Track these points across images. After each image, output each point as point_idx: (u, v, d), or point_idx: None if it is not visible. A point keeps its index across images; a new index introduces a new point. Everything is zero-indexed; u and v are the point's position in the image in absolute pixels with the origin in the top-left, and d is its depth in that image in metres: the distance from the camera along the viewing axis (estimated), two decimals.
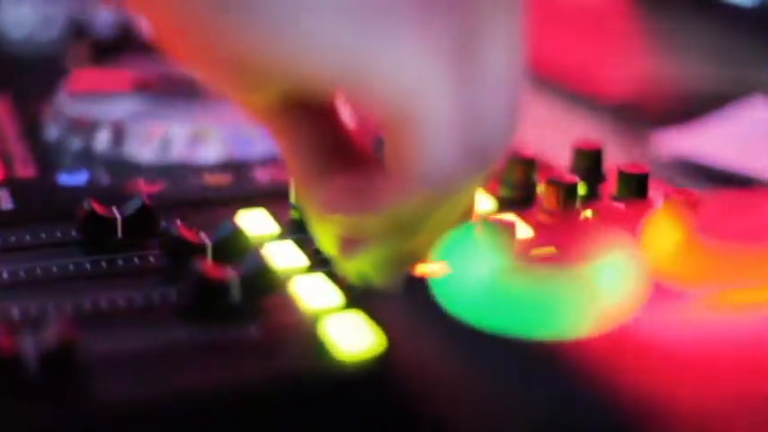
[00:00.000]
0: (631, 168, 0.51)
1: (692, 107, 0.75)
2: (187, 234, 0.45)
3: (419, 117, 0.35)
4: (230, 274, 0.42)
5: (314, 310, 0.41)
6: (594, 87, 0.82)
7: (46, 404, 0.36)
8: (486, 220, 0.41)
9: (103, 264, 0.46)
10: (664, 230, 0.35)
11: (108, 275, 0.45)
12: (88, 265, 0.45)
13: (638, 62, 0.86)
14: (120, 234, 0.47)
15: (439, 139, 0.36)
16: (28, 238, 0.48)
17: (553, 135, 0.74)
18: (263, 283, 0.42)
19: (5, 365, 0.37)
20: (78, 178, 0.54)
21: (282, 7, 0.34)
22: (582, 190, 0.51)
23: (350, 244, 0.39)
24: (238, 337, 0.40)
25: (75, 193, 0.53)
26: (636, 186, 0.50)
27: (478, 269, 0.34)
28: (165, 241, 0.45)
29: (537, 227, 0.48)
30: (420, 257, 0.41)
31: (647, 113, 0.76)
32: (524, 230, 0.48)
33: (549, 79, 0.84)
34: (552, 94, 0.83)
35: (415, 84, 0.35)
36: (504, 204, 0.52)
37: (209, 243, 0.45)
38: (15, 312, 0.42)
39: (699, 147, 0.66)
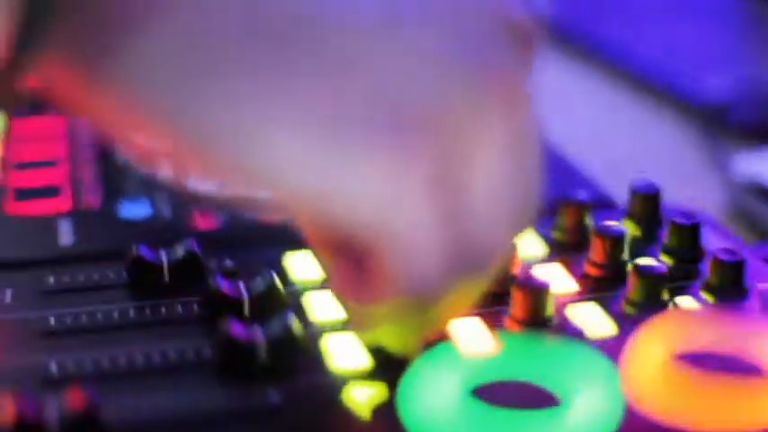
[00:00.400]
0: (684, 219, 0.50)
1: None
2: (225, 288, 0.46)
3: (389, 241, 0.35)
4: (257, 336, 0.42)
5: (343, 371, 0.42)
6: (692, 88, 0.80)
7: None
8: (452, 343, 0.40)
9: (147, 311, 0.47)
10: (648, 352, 0.34)
11: (149, 324, 0.46)
12: (132, 312, 0.46)
13: (744, 67, 0.84)
14: (167, 278, 0.48)
15: (412, 260, 0.36)
16: (81, 278, 0.49)
17: (638, 141, 0.74)
18: (291, 346, 0.43)
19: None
20: (140, 210, 0.55)
21: (249, 120, 0.34)
22: (636, 232, 0.50)
23: (359, 318, 0.40)
24: (261, 401, 0.41)
25: (134, 228, 0.54)
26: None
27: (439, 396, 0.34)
28: (204, 294, 0.46)
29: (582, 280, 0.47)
30: (438, 326, 0.41)
31: (739, 125, 0.74)
32: (567, 282, 0.48)
33: (642, 77, 0.82)
34: (643, 93, 0.81)
35: (381, 209, 0.34)
36: (556, 248, 0.51)
37: (245, 297, 0.45)
38: (53, 366, 0.43)
39: None
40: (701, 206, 0.54)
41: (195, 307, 0.47)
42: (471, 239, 0.36)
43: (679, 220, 0.50)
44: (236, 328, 0.43)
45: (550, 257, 0.51)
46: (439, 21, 0.34)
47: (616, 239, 0.49)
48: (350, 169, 0.34)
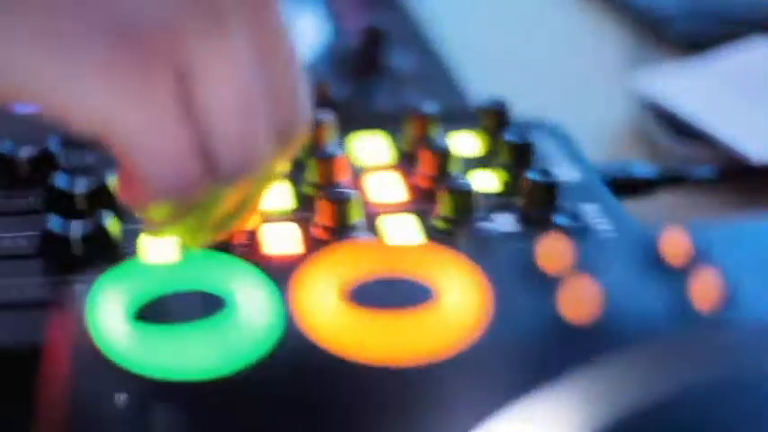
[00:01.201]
0: None
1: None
2: (60, 183, 0.49)
3: (126, 145, 0.38)
4: (72, 229, 0.46)
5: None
6: None
7: None
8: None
9: None
10: (316, 288, 0.36)
11: None
12: None
13: None
14: (23, 174, 0.52)
15: (155, 161, 0.39)
16: None
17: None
18: (103, 241, 0.47)
19: None
20: None
21: None
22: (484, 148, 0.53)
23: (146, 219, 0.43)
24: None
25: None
26: None
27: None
28: (45, 188, 0.50)
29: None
30: (229, 224, 0.44)
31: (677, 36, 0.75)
32: (398, 192, 0.51)
33: None
34: None
35: (108, 115, 0.38)
36: (403, 158, 0.54)
37: (77, 193, 0.49)
38: None
39: (671, 91, 0.66)
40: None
41: (33, 200, 0.50)
42: (215, 144, 0.39)
43: (511, 138, 0.52)
44: (53, 222, 0.47)
45: (396, 166, 0.53)
46: None
47: (441, 153, 0.51)
48: (77, 80, 0.37)
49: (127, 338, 0.33)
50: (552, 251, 0.37)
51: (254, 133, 0.40)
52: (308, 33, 0.70)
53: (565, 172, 0.52)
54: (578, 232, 0.46)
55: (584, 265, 0.37)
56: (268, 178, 0.43)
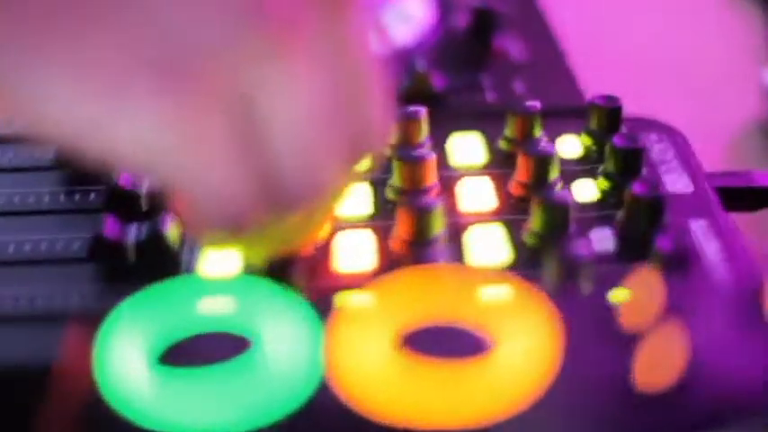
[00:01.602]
0: None
1: None
2: (123, 182, 0.46)
3: (180, 181, 0.35)
4: (127, 234, 0.43)
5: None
6: None
7: None
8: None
9: (61, 197, 0.48)
10: (365, 322, 0.32)
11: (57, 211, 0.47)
12: (47, 197, 0.47)
13: None
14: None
15: (210, 196, 0.35)
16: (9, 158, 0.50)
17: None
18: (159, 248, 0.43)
19: None
20: None
21: (31, 70, 0.33)
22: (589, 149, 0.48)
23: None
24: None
25: None
26: None
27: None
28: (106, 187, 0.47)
29: None
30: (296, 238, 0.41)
31: None
32: (487, 199, 0.46)
33: None
34: None
35: (164, 152, 0.34)
36: (498, 159, 0.49)
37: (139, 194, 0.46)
38: None
39: None
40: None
41: (94, 197, 0.47)
42: (278, 173, 0.35)
43: (620, 142, 0.47)
44: (109, 225, 0.43)
45: (487, 168, 0.48)
46: None
47: (541, 159, 0.46)
48: (120, 118, 0.33)
49: (144, 389, 0.30)
50: (640, 296, 0.32)
51: (320, 160, 0.36)
52: (413, 10, 0.65)
53: (675, 181, 0.46)
54: (677, 260, 0.40)
55: (674, 310, 0.31)
56: (337, 194, 0.39)
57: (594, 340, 0.31)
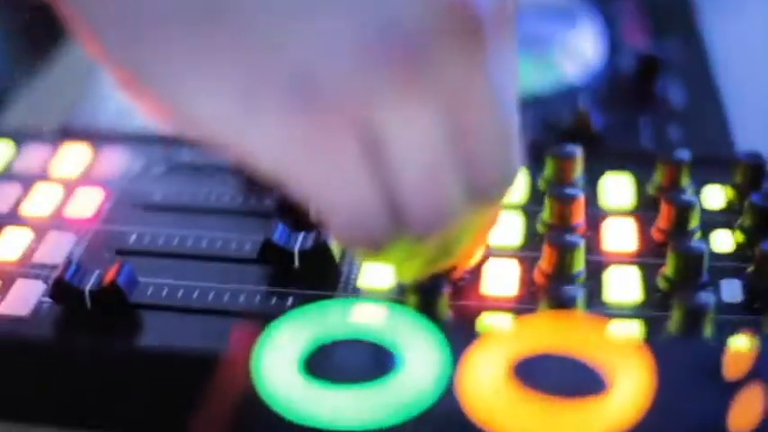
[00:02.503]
0: None
1: None
2: None
3: (309, 197, 0.39)
4: (294, 242, 0.47)
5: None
6: None
7: None
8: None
9: (240, 199, 0.52)
10: (482, 365, 0.35)
11: (234, 212, 0.52)
12: (227, 198, 0.52)
13: None
14: None
15: (332, 216, 0.39)
16: (202, 159, 0.55)
17: None
18: (322, 258, 0.47)
19: None
20: None
21: (179, 77, 0.38)
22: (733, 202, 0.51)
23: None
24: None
25: None
26: None
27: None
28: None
29: None
30: (446, 261, 0.44)
31: None
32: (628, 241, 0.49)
33: None
34: None
35: (290, 171, 0.38)
36: (646, 203, 0.52)
37: None
38: (132, 238, 0.50)
39: None
40: None
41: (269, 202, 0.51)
42: (404, 201, 0.39)
43: (758, 200, 0.49)
44: (279, 232, 0.48)
45: (634, 211, 0.51)
46: (362, 8, 0.37)
47: (682, 208, 0.49)
48: (259, 124, 0.37)
49: (293, 390, 0.34)
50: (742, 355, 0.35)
51: (444, 193, 0.39)
52: (582, 48, 0.68)
53: None
54: None
55: None
56: (477, 226, 0.43)
57: (697, 383, 0.35)
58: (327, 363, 0.35)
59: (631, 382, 0.34)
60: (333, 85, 0.37)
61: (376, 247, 0.40)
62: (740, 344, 0.36)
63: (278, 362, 0.35)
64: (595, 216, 0.51)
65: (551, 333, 0.36)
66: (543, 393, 0.34)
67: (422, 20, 0.37)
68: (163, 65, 0.38)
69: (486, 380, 0.34)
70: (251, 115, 0.37)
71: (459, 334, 0.36)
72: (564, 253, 0.46)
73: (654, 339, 0.36)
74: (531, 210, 0.51)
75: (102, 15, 0.38)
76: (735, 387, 0.34)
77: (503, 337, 0.36)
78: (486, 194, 0.41)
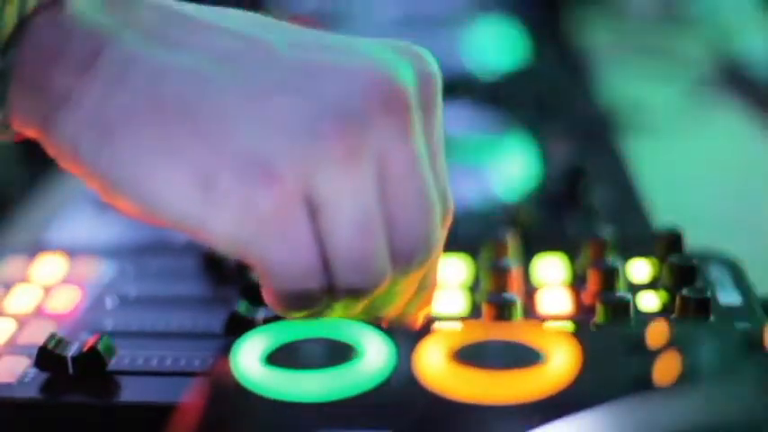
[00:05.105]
0: None
1: None
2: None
3: (259, 266, 0.44)
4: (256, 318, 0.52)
5: None
6: None
7: None
8: None
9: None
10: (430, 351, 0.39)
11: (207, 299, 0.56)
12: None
13: None
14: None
15: (279, 282, 0.44)
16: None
17: None
18: None
19: None
20: None
21: (141, 170, 0.43)
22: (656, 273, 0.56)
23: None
24: None
25: None
26: None
27: None
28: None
29: None
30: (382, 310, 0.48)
31: None
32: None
33: None
34: None
35: (246, 239, 0.43)
36: (576, 279, 0.57)
37: None
38: (109, 325, 0.54)
39: None
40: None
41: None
42: (339, 263, 0.44)
43: (675, 260, 0.55)
44: (242, 306, 0.53)
45: (568, 285, 0.57)
46: (307, 92, 0.43)
47: (608, 272, 0.54)
48: (217, 211, 0.43)
49: (261, 375, 0.38)
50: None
51: (372, 251, 0.44)
52: (515, 174, 0.75)
53: (726, 296, 0.54)
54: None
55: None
56: (405, 289, 0.47)
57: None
58: (291, 356, 0.39)
59: (565, 355, 0.39)
60: (284, 160, 0.42)
61: (312, 307, 0.44)
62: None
63: (245, 358, 0.39)
64: (531, 290, 0.56)
65: (494, 327, 0.41)
66: (487, 369, 0.38)
67: (355, 99, 0.43)
68: (131, 164, 0.43)
69: (436, 359, 0.39)
70: (209, 201, 0.42)
71: (411, 333, 0.41)
72: (502, 308, 0.51)
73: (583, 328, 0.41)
74: (474, 286, 0.56)
75: (73, 123, 0.43)
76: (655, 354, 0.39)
77: (450, 331, 0.40)
78: (407, 259, 0.45)
